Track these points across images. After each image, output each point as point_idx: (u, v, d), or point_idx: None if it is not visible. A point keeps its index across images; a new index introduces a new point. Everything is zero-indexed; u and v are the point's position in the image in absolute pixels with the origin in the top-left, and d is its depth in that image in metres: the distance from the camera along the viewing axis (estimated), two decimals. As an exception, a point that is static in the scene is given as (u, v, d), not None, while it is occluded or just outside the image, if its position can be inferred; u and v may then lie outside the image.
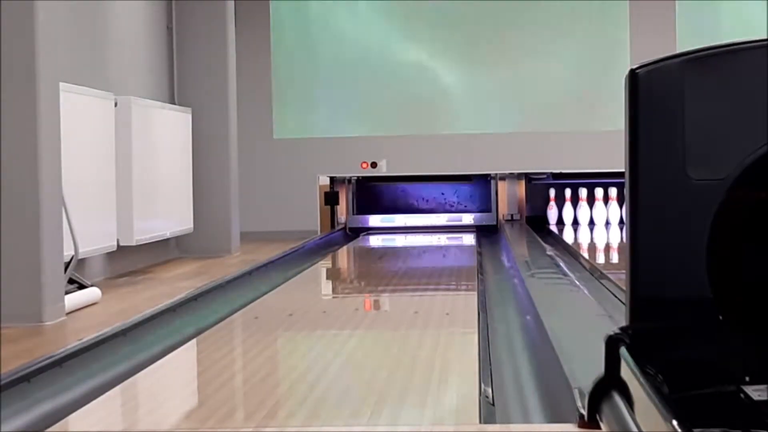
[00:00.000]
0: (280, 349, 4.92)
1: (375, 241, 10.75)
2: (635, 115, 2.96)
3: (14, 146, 5.15)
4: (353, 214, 11.49)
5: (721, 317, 2.94)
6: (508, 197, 11.44)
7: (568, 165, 11.01)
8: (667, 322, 2.95)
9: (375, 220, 11.46)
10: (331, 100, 11.09)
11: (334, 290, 7.46)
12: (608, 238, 10.28)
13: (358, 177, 11.35)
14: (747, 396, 2.60)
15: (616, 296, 5.70)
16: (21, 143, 5.16)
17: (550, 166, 11.09)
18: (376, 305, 6.29)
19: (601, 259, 8.54)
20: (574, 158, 10.90)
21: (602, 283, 6.52)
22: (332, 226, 11.24)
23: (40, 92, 5.20)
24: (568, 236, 10.26)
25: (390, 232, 11.30)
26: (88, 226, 6.29)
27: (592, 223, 11.19)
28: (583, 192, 11.21)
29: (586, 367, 3.27)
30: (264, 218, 10.80)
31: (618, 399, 2.74)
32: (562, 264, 7.57)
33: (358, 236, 11.00)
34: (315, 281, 7.72)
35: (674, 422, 2.17)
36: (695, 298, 2.93)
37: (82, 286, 5.82)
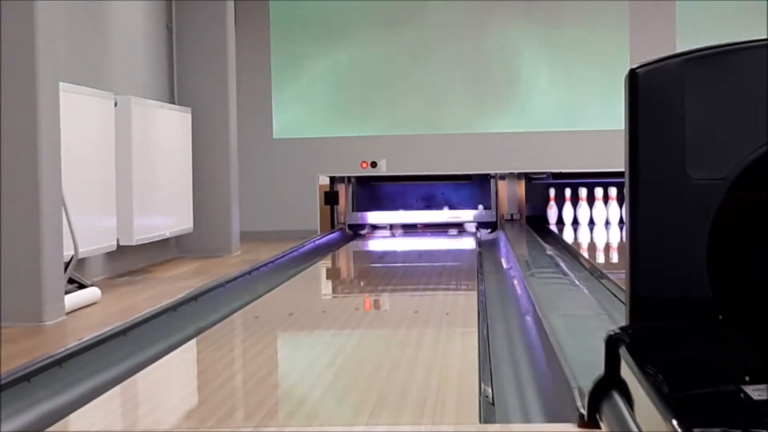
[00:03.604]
0: (280, 348, 4.92)
1: (375, 241, 10.75)
2: (635, 114, 2.96)
3: (14, 146, 5.15)
4: (353, 212, 11.49)
5: (721, 317, 2.94)
6: (508, 197, 11.45)
7: (568, 165, 11.01)
8: (667, 322, 2.95)
9: (375, 220, 11.46)
10: (331, 100, 11.09)
11: (334, 290, 7.46)
12: (608, 237, 10.28)
13: (358, 176, 11.35)
14: (747, 396, 2.60)
15: (616, 296, 5.70)
16: (21, 143, 5.16)
17: (550, 166, 11.09)
18: (376, 305, 6.29)
19: (601, 258, 8.54)
20: (574, 158, 10.90)
21: (602, 283, 6.51)
22: (332, 225, 11.25)
23: (40, 92, 5.20)
24: (568, 236, 10.26)
25: (391, 232, 11.30)
26: (88, 226, 6.29)
27: (592, 222, 11.19)
28: (583, 192, 11.22)
29: (586, 367, 3.27)
30: (264, 218, 10.81)
31: (618, 399, 2.74)
32: (561, 263, 7.57)
33: (357, 236, 11.01)
34: (315, 281, 7.72)
35: (674, 422, 2.17)
36: (695, 298, 2.93)
37: (82, 286, 5.82)
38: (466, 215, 11.46)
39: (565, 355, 3.93)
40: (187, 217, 8.47)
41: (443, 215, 11.45)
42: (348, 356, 4.52)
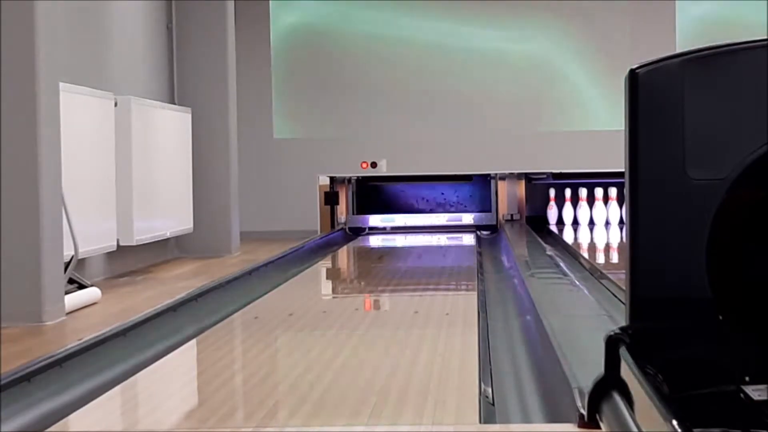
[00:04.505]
0: (280, 349, 4.92)
1: (375, 241, 10.75)
2: (635, 115, 2.96)
3: (14, 146, 5.15)
4: (353, 214, 11.49)
5: (721, 317, 2.94)
6: (508, 197, 11.45)
7: (568, 165, 11.01)
8: (667, 322, 2.95)
9: (375, 220, 11.46)
10: (331, 100, 11.08)
11: (334, 290, 7.46)
12: (608, 238, 10.28)
13: (358, 177, 11.36)
14: (747, 396, 2.60)
15: (616, 296, 5.70)
16: (21, 143, 5.16)
17: (550, 166, 11.09)
18: (376, 305, 6.29)
19: (601, 259, 8.54)
20: (574, 158, 10.90)
21: (602, 283, 6.51)
22: (332, 226, 11.25)
23: (40, 92, 5.20)
24: (568, 236, 10.26)
25: (390, 232, 11.31)
26: (88, 226, 6.29)
27: (592, 223, 11.19)
28: (583, 192, 11.22)
29: (586, 367, 3.27)
30: (264, 218, 10.80)
31: (618, 399, 2.74)
32: (561, 264, 7.57)
33: (358, 236, 11.00)
34: (315, 281, 7.72)
35: (674, 422, 2.17)
36: (695, 298, 2.93)
37: (82, 286, 5.82)
38: (466, 217, 11.45)
39: (565, 355, 3.93)
40: (187, 217, 8.47)
41: (442, 218, 11.45)
42: (348, 356, 4.52)
